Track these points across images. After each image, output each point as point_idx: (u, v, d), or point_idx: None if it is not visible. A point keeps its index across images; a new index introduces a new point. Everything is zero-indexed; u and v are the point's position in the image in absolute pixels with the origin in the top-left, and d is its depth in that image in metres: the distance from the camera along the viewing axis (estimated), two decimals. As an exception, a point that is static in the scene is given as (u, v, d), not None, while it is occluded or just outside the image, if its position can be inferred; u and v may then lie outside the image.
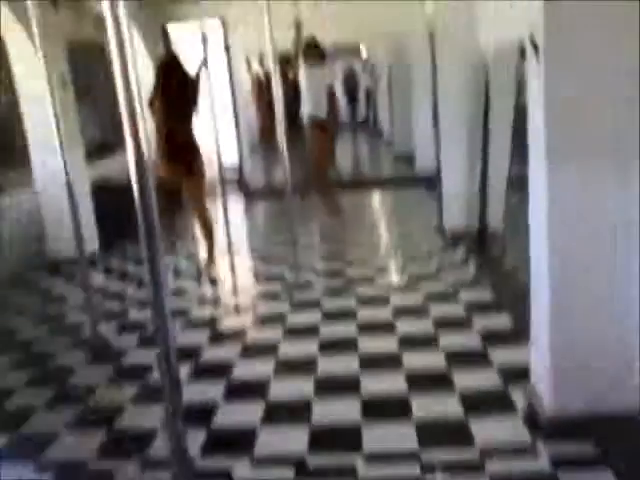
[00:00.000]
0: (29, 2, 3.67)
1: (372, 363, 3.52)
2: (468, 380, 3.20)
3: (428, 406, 3.00)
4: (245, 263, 5.84)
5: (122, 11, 1.48)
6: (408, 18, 8.03)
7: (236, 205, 8.33)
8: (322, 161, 7.12)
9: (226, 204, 6.15)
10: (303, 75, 6.91)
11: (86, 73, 9.33)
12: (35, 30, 3.72)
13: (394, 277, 5.06)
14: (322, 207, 7.38)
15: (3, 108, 6.14)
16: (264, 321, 4.33)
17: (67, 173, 3.92)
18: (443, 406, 2.99)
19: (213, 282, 5.36)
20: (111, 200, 6.87)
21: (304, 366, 3.56)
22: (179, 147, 5.06)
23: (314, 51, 6.81)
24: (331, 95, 7.17)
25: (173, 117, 5.00)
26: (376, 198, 8.21)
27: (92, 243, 6.32)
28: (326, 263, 5.53)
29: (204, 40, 5.46)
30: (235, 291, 5.12)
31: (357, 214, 7.19)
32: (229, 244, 6.09)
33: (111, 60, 1.53)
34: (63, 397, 3.48)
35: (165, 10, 8.25)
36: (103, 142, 8.58)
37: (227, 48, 8.65)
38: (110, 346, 4.13)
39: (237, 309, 4.66)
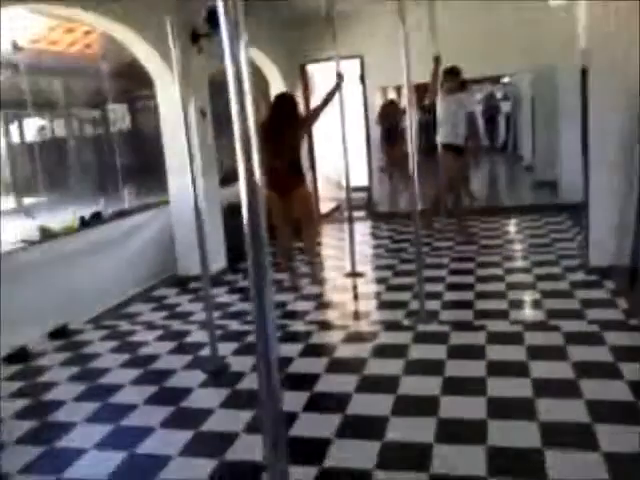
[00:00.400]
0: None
1: (502, 410, 3.16)
2: (617, 443, 2.76)
3: (565, 465, 2.61)
4: (368, 288, 5.64)
5: (242, 50, 1.57)
6: (556, 51, 7.60)
7: (363, 228, 8.19)
8: (451, 186, 7.04)
9: (352, 226, 6.02)
10: (439, 102, 6.73)
11: (226, 106, 9.78)
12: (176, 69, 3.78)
13: (530, 312, 4.61)
14: (454, 233, 7.12)
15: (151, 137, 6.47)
16: (384, 352, 4.09)
17: (195, 196, 3.92)
18: (584, 468, 2.59)
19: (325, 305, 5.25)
20: (239, 221, 7.00)
21: (425, 406, 3.28)
22: (279, 175, 5.33)
23: (453, 78, 6.74)
24: (471, 122, 7.11)
25: (275, 148, 5.26)
26: (514, 226, 7.68)
27: (220, 261, 6.44)
28: (454, 293, 5.17)
29: (337, 64, 5.57)
30: (356, 317, 4.91)
31: (492, 242, 6.74)
32: (352, 267, 5.96)
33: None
34: (176, 419, 3.45)
35: (304, 50, 8.45)
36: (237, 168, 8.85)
37: (362, 78, 8.62)
38: (227, 368, 4.08)
39: (357, 336, 4.45)
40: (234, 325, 4.89)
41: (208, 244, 6.22)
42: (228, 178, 8.38)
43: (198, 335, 4.71)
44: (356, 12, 8.03)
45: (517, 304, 4.75)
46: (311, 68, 9.28)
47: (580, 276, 5.24)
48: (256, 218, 1.64)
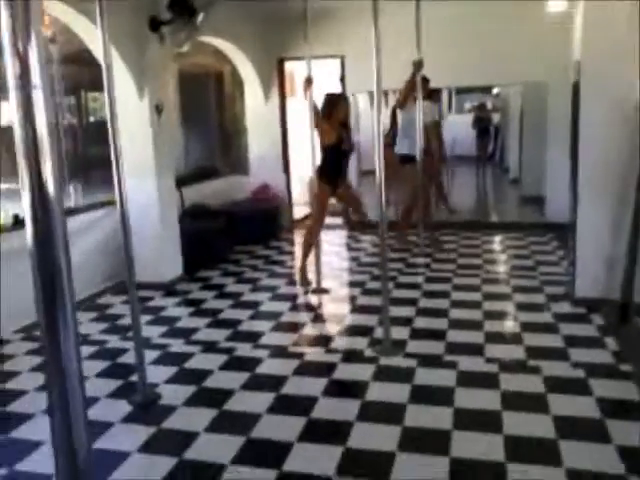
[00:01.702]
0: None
1: (469, 474, 2.66)
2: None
3: None
4: (332, 307, 5.12)
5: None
6: (546, 65, 7.19)
7: (337, 237, 7.66)
8: (413, 199, 6.78)
9: (318, 238, 5.50)
10: (399, 111, 6.55)
11: (194, 101, 9.25)
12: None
13: (508, 349, 4.08)
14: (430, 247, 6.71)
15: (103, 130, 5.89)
16: (338, 391, 3.57)
17: (121, 196, 3.34)
18: None
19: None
20: (199, 225, 6.48)
21: (376, 466, 2.76)
22: (340, 169, 5.54)
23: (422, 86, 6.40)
24: (431, 132, 6.91)
25: (336, 141, 5.39)
26: (497, 244, 7.18)
27: (176, 269, 5.89)
28: (426, 320, 4.66)
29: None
30: (313, 342, 4.38)
31: (472, 262, 6.24)
32: (318, 282, 5.45)
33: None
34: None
35: (283, 47, 7.91)
36: (206, 166, 8.32)
37: (342, 79, 8.10)
38: (157, 400, 3.53)
39: (312, 367, 3.91)
40: (176, 345, 4.33)
41: (162, 250, 5.73)
42: (195, 176, 7.86)
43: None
44: (338, 10, 7.51)
45: (494, 337, 4.24)
46: (292, 66, 8.76)
47: (565, 307, 4.75)
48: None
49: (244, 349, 4.20)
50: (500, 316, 4.69)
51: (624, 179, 4.46)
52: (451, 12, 7.24)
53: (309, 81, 5.20)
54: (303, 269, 5.64)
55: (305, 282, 5.60)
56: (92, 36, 4.93)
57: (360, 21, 7.35)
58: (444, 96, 13.59)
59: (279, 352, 4.13)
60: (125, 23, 5.14)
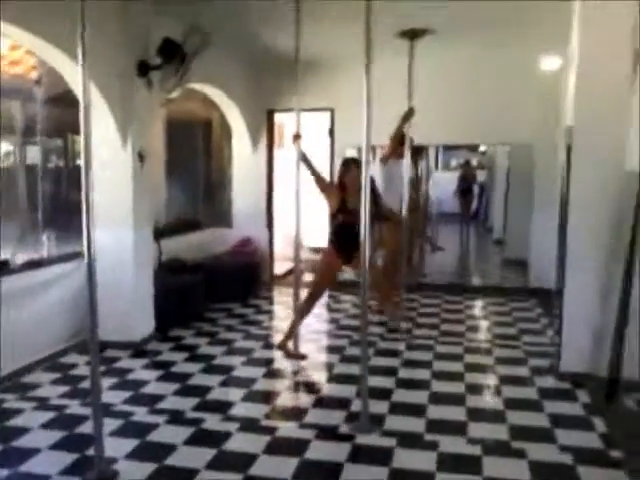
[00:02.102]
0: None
1: None
2: None
3: None
4: (308, 375, 4.89)
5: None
6: (533, 127, 7.28)
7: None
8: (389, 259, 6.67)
9: (297, 299, 5.30)
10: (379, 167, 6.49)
11: (180, 148, 9.17)
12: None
13: (491, 428, 3.86)
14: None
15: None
16: (309, 474, 3.33)
17: (89, 249, 3.11)
18: None
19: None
20: (175, 280, 6.28)
21: None
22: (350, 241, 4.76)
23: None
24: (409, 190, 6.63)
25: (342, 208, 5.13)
26: (480, 309, 7.02)
27: (146, 327, 5.64)
28: (406, 393, 4.44)
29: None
30: (286, 416, 4.13)
31: (454, 329, 6.07)
32: (294, 347, 5.22)
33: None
34: None
35: (273, 97, 7.90)
36: (188, 218, 8.16)
37: (331, 132, 8.06)
38: (115, 478, 3.26)
39: (282, 444, 3.66)
40: (140, 414, 4.06)
41: (134, 307, 5.49)
42: (176, 228, 7.69)
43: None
44: (329, 61, 7.52)
45: (477, 414, 4.02)
46: (281, 117, 8.71)
47: (550, 382, 4.57)
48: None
49: (212, 421, 3.94)
50: (483, 390, 4.49)
51: (613, 247, 4.36)
52: (441, 67, 7.31)
53: (297, 136, 5.09)
54: (286, 340, 5.20)
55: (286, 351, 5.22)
56: (76, 77, 4.82)
57: (350, 73, 7.37)
58: (431, 152, 13.68)
59: (249, 425, 3.88)
60: (111, 65, 5.03)
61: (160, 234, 6.76)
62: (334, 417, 3.98)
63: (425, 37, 6.00)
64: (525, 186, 8.44)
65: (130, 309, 5.41)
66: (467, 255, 12.41)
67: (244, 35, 6.38)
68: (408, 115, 6.09)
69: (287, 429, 3.84)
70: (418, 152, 6.84)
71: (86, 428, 3.80)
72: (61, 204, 7.23)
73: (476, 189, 17.48)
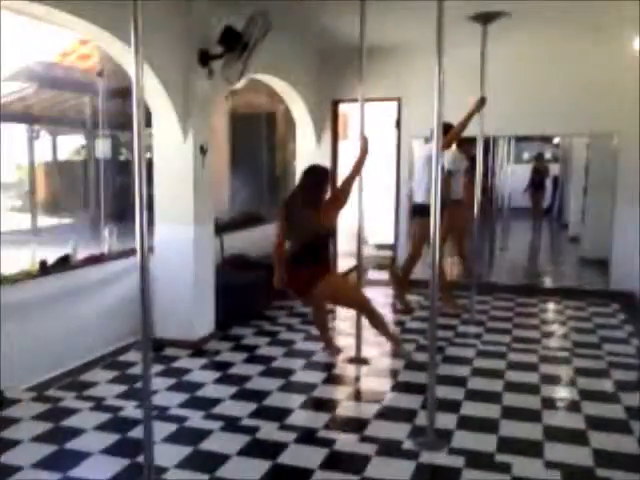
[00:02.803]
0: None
1: None
2: None
3: None
4: (371, 382, 4.64)
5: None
6: (618, 114, 6.76)
7: (382, 295, 7.16)
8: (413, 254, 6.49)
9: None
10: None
11: (244, 142, 9.06)
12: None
13: (571, 453, 3.48)
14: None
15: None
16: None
17: (142, 247, 2.93)
18: None
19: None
20: (237, 277, 6.15)
21: None
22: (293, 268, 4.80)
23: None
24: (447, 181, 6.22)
25: (291, 232, 4.79)
26: (556, 314, 6.55)
27: (207, 326, 5.52)
28: (476, 406, 4.12)
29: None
30: (346, 427, 3.89)
31: (527, 334, 5.68)
32: (357, 350, 4.99)
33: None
34: None
35: (335, 89, 7.64)
36: (251, 212, 8.03)
37: (398, 123, 7.74)
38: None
39: (341, 460, 3.43)
40: (195, 419, 3.91)
41: (195, 304, 5.37)
42: (240, 222, 7.56)
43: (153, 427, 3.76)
44: (396, 49, 7.21)
45: (555, 434, 3.66)
46: (346, 107, 8.44)
47: (638, 399, 4.14)
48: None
49: (268, 429, 3.74)
50: (560, 406, 4.11)
51: None
52: (516, 53, 6.88)
53: (365, 140, 4.83)
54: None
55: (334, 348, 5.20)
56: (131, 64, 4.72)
57: (418, 61, 7.11)
58: (503, 145, 13.10)
59: (307, 436, 3.66)
60: (172, 55, 4.93)
61: (223, 229, 6.65)
62: (398, 430, 3.71)
63: (499, 21, 5.60)
64: (606, 180, 7.88)
65: (190, 307, 5.31)
66: (541, 253, 11.83)
67: (308, 23, 6.16)
68: (479, 105, 5.73)
69: (346, 442, 3.59)
70: (466, 143, 6.38)
71: (139, 432, 3.64)
72: (125, 198, 7.23)
73: (549, 183, 16.75)
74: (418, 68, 7.09)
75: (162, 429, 3.67)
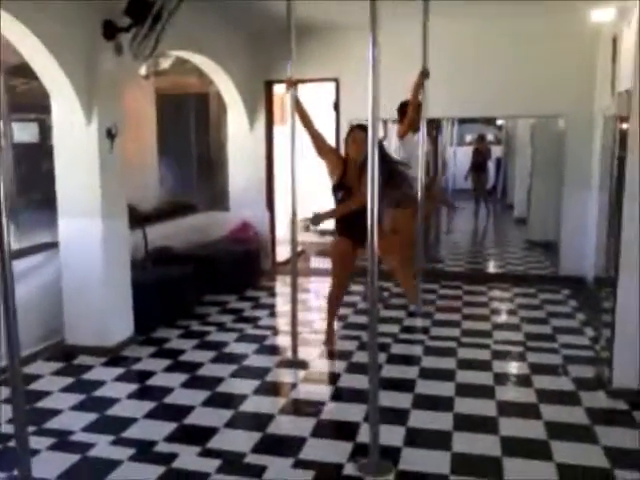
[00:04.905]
0: None
1: None
2: None
3: None
4: (307, 390, 4.14)
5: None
6: (566, 96, 6.41)
7: (326, 286, 6.66)
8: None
9: (295, 292, 4.55)
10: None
11: (173, 125, 8.39)
12: None
13: (534, 468, 3.08)
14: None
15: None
16: None
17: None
18: None
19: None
20: (162, 272, 5.55)
21: None
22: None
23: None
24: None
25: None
26: (506, 302, 6.18)
27: (124, 329, 4.91)
28: (425, 415, 3.68)
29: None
30: (276, 449, 3.39)
31: (477, 327, 5.30)
32: (293, 351, 4.50)
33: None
34: None
35: (269, 69, 7.03)
36: (180, 201, 7.40)
37: (336, 106, 7.23)
38: None
39: None
40: (101, 445, 3.32)
41: (107, 306, 4.71)
42: (168, 212, 6.94)
43: (48, 459, 3.17)
44: (333, 27, 6.67)
45: (513, 447, 3.24)
46: (282, 90, 7.86)
47: (600, 400, 3.78)
48: None
49: (187, 456, 3.20)
50: (518, 411, 3.70)
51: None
52: (458, 30, 6.44)
53: (292, 82, 4.32)
54: (329, 331, 4.91)
55: (330, 342, 4.87)
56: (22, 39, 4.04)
57: (356, 40, 6.56)
58: (445, 127, 12.82)
59: (232, 464, 3.13)
60: (68, 28, 4.24)
61: (146, 219, 6.03)
62: (337, 451, 3.23)
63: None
64: (551, 162, 7.60)
65: (102, 309, 4.69)
66: (487, 236, 11.61)
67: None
68: (422, 77, 5.29)
69: (280, 468, 3.09)
70: (435, 124, 5.99)
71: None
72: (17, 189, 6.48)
73: (492, 165, 16.63)
74: (355, 47, 6.54)
75: (60, 461, 3.11)
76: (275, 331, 5.35)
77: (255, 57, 7.12)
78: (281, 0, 4.20)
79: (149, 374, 4.35)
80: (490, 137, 16.82)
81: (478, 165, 14.41)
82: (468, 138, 17.25)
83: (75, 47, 4.31)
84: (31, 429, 3.48)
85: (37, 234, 5.23)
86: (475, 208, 12.79)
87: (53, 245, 4.82)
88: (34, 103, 6.20)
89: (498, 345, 4.81)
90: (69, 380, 4.27)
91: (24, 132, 8.34)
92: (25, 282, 4.60)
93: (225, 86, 6.95)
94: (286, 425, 3.61)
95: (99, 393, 4.05)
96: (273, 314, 5.88)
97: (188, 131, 8.68)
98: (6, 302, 2.42)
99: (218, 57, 6.39)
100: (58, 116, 4.51)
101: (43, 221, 5.33)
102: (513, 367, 4.43)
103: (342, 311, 5.84)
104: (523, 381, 4.15)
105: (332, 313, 4.90)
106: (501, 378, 4.17)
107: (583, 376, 4.13)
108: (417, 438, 3.36)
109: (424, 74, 5.28)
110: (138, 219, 5.81)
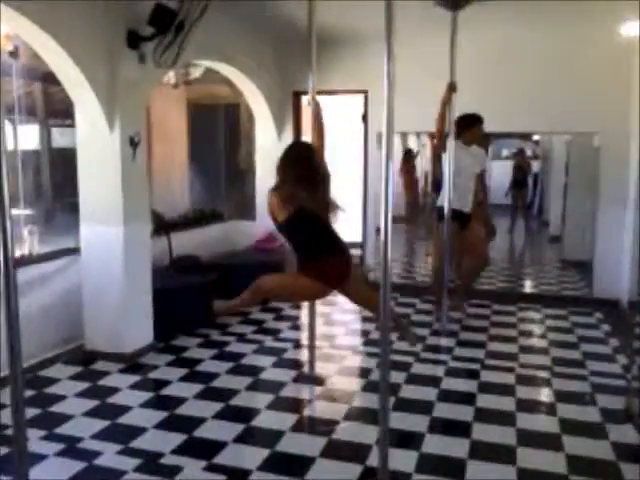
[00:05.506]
0: None
1: None
2: None
3: None
4: (321, 408, 4.04)
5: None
6: (600, 113, 6.20)
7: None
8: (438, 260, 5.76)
9: (313, 309, 4.47)
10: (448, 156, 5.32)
11: (204, 135, 8.42)
12: None
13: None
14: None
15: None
16: None
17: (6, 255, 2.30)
18: None
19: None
20: (184, 281, 5.53)
21: None
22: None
23: (473, 127, 5.55)
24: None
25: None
26: (535, 324, 5.95)
27: (144, 337, 4.89)
28: (441, 440, 3.56)
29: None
30: (286, 468, 3.30)
31: (503, 349, 5.13)
32: (310, 366, 4.41)
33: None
34: None
35: (297, 80, 6.96)
36: (207, 209, 7.39)
37: (364, 118, 7.13)
38: None
39: None
40: (108, 454, 3.29)
41: (126, 313, 4.67)
42: (194, 220, 6.94)
43: (54, 465, 3.16)
44: (363, 38, 6.57)
45: (532, 476, 3.11)
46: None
47: (628, 434, 3.59)
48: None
49: (191, 470, 3.14)
50: (538, 442, 3.52)
51: None
52: (489, 44, 6.30)
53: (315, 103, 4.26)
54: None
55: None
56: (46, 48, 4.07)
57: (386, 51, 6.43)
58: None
59: (237, 477, 3.06)
60: (93, 37, 4.26)
61: (172, 227, 6.04)
62: (345, 474, 3.12)
63: (470, 6, 5.00)
64: (586, 179, 7.36)
65: (122, 315, 4.68)
66: (521, 253, 11.34)
67: (256, 6, 5.47)
68: (449, 91, 5.17)
69: (284, 489, 3.01)
70: (486, 137, 5.87)
71: (41, 470, 3.07)
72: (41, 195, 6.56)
73: (530, 180, 16.33)
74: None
75: (65, 468, 3.09)
76: (296, 344, 5.27)
77: (283, 68, 7.09)
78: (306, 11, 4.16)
79: (164, 383, 4.31)
80: (528, 152, 16.52)
81: (519, 181, 14.19)
82: (504, 152, 17.00)
83: (98, 56, 4.33)
84: (42, 434, 3.53)
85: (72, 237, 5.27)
86: (510, 225, 12.53)
87: (76, 250, 4.85)
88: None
89: (523, 369, 4.63)
90: (85, 385, 4.26)
91: (64, 137, 8.47)
92: (44, 287, 4.65)
93: (253, 96, 6.94)
94: (296, 443, 3.50)
95: (113, 400, 4.02)
96: (295, 327, 5.80)
97: (218, 140, 8.71)
98: (8, 303, 2.36)
99: (245, 67, 6.38)
100: (81, 124, 4.55)
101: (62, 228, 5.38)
102: (537, 393, 4.26)
103: (365, 326, 5.76)
104: (547, 409, 3.98)
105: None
106: (524, 404, 4.00)
107: (611, 407, 3.94)
108: (429, 464, 3.23)
109: (452, 88, 5.17)
110: (164, 226, 5.82)
